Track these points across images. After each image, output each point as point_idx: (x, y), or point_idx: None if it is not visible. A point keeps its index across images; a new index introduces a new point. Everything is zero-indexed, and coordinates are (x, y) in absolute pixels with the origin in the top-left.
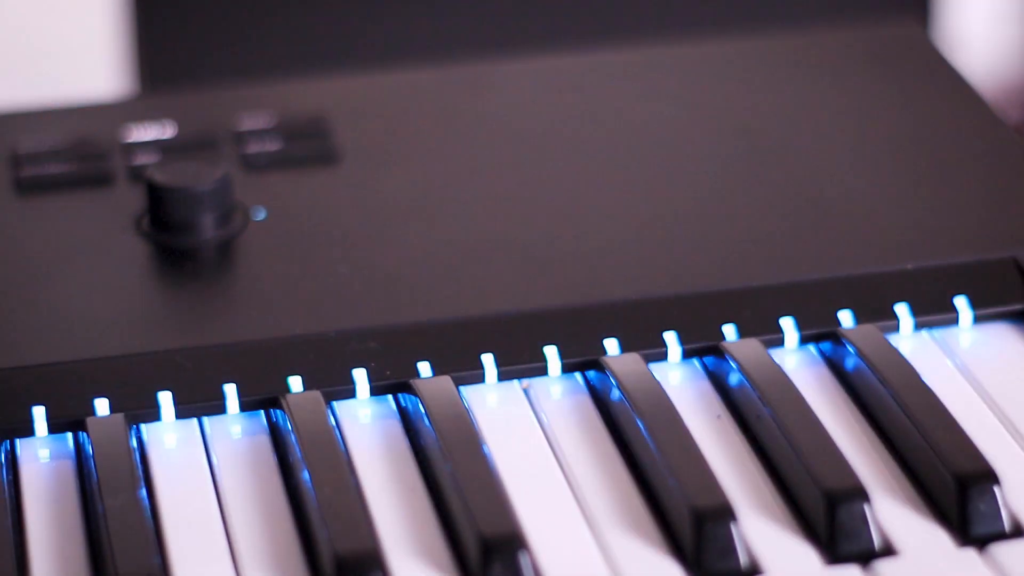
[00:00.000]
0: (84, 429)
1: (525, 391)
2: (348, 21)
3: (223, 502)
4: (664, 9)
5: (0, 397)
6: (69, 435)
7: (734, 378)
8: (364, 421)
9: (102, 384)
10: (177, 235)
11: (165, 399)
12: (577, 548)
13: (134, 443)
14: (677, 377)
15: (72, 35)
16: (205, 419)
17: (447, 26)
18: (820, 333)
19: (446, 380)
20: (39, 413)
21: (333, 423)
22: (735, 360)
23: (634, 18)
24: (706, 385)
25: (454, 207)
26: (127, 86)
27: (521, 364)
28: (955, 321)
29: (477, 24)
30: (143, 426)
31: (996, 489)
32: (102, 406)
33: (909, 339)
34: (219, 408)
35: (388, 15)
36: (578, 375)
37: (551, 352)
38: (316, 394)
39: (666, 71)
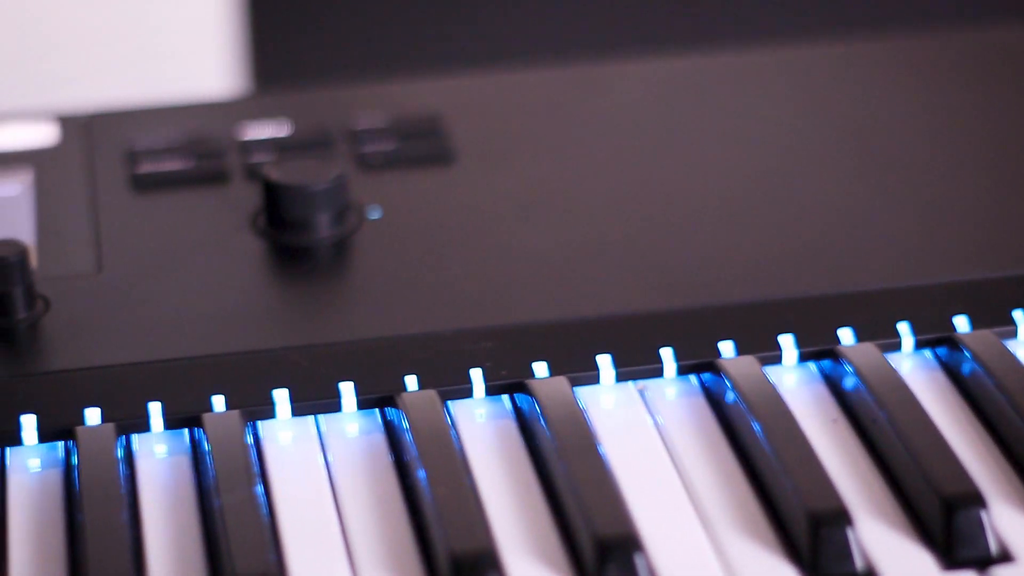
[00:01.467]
0: (200, 425)
1: (640, 392)
2: (462, 20)
3: (339, 500)
4: (776, 10)
5: (118, 392)
6: (185, 431)
7: (849, 382)
8: (480, 420)
9: (218, 381)
10: (293, 233)
11: (281, 396)
12: (692, 550)
13: (250, 440)
14: (792, 380)
15: (187, 33)
16: (320, 417)
17: (561, 26)
18: (936, 338)
19: (562, 381)
20: (155, 409)
21: (449, 422)
22: (851, 364)
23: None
24: (821, 388)
25: (569, 207)
26: (240, 83)
27: (637, 365)
28: None
29: (591, 24)
30: (259, 423)
31: None
32: (218, 403)
33: None
34: (335, 406)
35: (502, 14)
36: (693, 377)
37: (667, 354)
38: (432, 393)
39: (780, 73)
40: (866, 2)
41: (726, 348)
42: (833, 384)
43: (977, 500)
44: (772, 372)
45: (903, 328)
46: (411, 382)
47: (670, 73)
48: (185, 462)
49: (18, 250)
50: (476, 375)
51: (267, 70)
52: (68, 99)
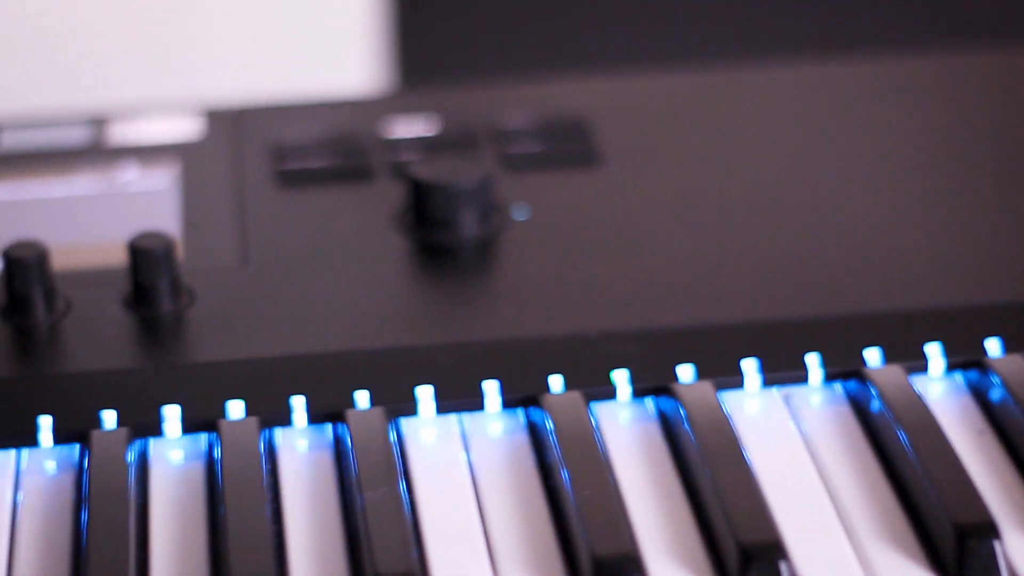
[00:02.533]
0: (344, 421)
1: (785, 399)
2: (609, 21)
3: (481, 500)
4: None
5: (261, 386)
6: (328, 427)
7: (996, 394)
8: (623, 423)
9: (362, 377)
10: (438, 232)
11: (425, 394)
12: (836, 558)
13: (393, 437)
14: (939, 390)
15: (332, 28)
16: (464, 416)
17: (709, 30)
18: None
19: (706, 386)
20: (299, 403)
21: (593, 424)
22: (998, 376)
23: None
24: (968, 399)
25: (715, 211)
26: (385, 80)
27: (782, 371)
28: None
29: (739, 29)
30: (401, 420)
31: None
32: (362, 399)
33: None
34: (478, 405)
35: (651, 16)
36: (838, 385)
37: (812, 361)
38: (576, 395)
39: (928, 82)
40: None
41: (872, 356)
42: (980, 395)
43: None
44: (918, 381)
45: None
46: (555, 383)
47: (817, 79)
48: (328, 458)
49: (164, 243)
50: (620, 377)
51: (412, 67)
52: (215, 93)
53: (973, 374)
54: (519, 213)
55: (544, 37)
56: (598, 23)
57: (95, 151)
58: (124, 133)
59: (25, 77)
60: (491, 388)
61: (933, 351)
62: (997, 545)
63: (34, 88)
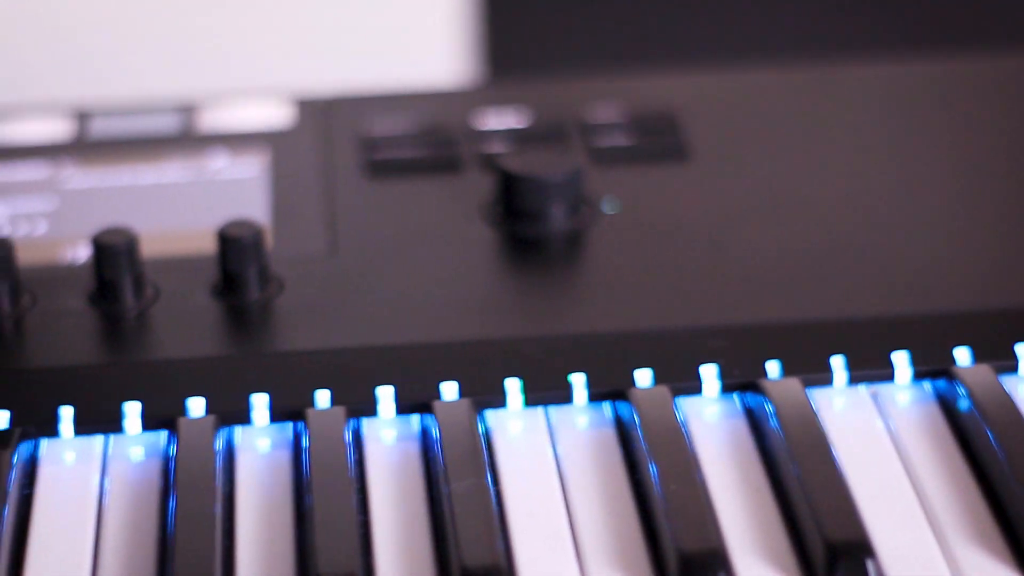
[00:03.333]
0: (430, 412)
1: (873, 397)
2: (698, 15)
3: (567, 493)
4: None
5: (349, 376)
6: (414, 417)
7: None
8: (710, 419)
9: (450, 368)
10: (526, 224)
11: (512, 386)
12: (922, 557)
13: (480, 429)
14: None
15: (421, 20)
16: (551, 408)
17: (798, 27)
18: None
19: (795, 382)
20: (386, 394)
21: (680, 419)
22: None
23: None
24: None
25: (803, 208)
26: (474, 71)
27: (870, 369)
28: None
29: (828, 26)
30: (488, 412)
31: None
32: (449, 390)
33: None
34: (565, 398)
35: (741, 11)
36: (927, 383)
37: (900, 359)
38: (664, 389)
39: (1003, 82)
40: None
41: (962, 355)
42: None
43: None
44: (1008, 381)
45: None
46: (642, 377)
47: (905, 77)
48: (414, 448)
49: (253, 231)
50: (708, 372)
51: (500, 59)
52: (305, 83)
53: None
54: (608, 207)
55: (632, 30)
56: (687, 17)
57: (185, 138)
58: (214, 121)
59: (116, 64)
60: (578, 381)
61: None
62: None
63: (126, 76)
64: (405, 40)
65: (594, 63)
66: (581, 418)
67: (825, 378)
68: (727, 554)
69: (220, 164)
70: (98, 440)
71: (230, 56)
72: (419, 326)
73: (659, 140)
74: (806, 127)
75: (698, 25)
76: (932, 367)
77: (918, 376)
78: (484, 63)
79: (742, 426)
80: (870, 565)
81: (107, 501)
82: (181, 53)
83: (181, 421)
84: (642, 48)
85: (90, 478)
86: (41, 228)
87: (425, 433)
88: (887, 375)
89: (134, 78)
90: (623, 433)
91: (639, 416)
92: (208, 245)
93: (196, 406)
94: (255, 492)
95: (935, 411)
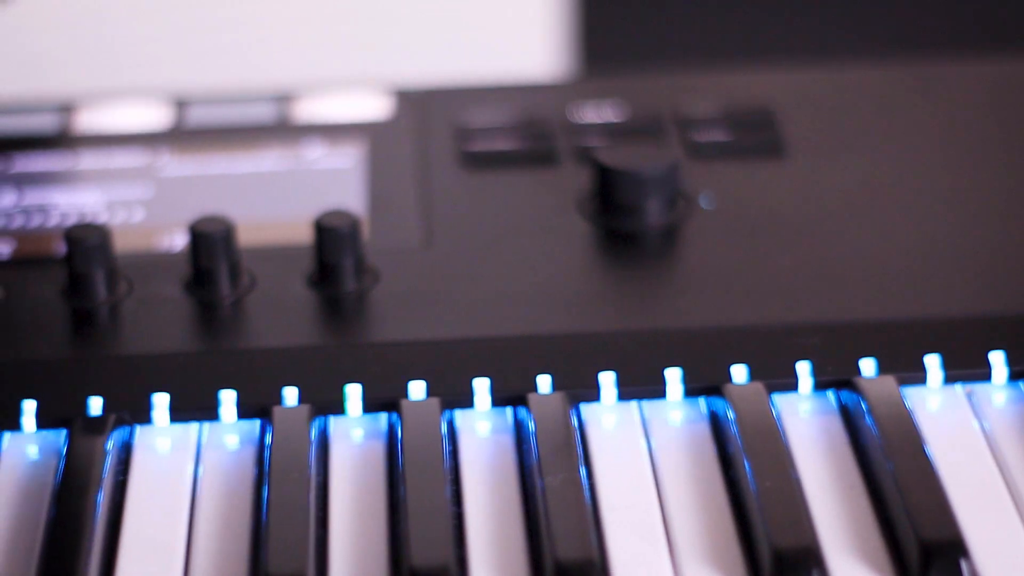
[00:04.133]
0: (525, 404)
1: (968, 396)
2: (796, 11)
3: (661, 488)
4: None
5: (444, 368)
6: (508, 410)
7: None
8: (804, 415)
9: (545, 361)
10: (622, 218)
11: (607, 380)
12: (1017, 557)
13: (574, 422)
14: None
15: (516, 12)
16: (645, 403)
17: (896, 24)
18: None
19: (890, 380)
20: (481, 386)
21: (775, 415)
22: None
23: None
24: None
25: (899, 205)
26: (568, 65)
27: (965, 368)
28: None
29: (926, 23)
30: (582, 406)
31: None
32: (543, 383)
33: None
34: (660, 393)
35: (836, 8)
36: (1023, 384)
37: (997, 359)
38: (759, 385)
39: None
40: None
41: None
42: None
43: None
44: None
45: None
46: (738, 373)
47: (1006, 75)
48: (508, 441)
49: (350, 221)
50: (802, 369)
51: (596, 52)
52: (400, 74)
53: None
54: (704, 202)
55: (728, 25)
56: (784, 11)
57: (282, 128)
58: (311, 111)
59: (215, 54)
60: (673, 376)
61: None
62: None
63: (223, 65)
64: (501, 33)
65: (688, 58)
66: (675, 413)
67: (920, 377)
68: (821, 552)
69: (316, 154)
70: (193, 428)
71: (327, 47)
72: (514, 319)
73: (756, 135)
74: (903, 124)
75: (795, 20)
76: None
77: (1014, 377)
78: (579, 57)
79: (836, 423)
80: (964, 565)
81: (201, 489)
82: (279, 42)
83: (276, 410)
84: (737, 43)
85: (184, 466)
86: (138, 215)
87: (519, 426)
88: (983, 375)
89: (231, 67)
90: (717, 429)
91: (734, 412)
92: (304, 235)
93: (291, 395)
94: (349, 482)
95: None
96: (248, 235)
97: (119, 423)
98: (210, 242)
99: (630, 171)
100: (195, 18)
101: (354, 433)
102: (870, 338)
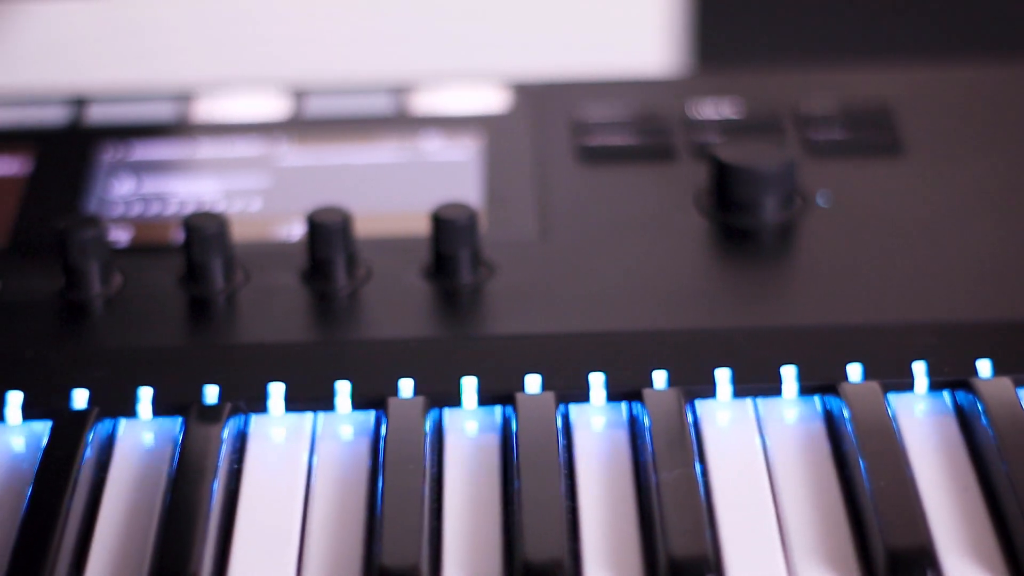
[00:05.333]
0: (640, 399)
1: None
2: (913, 8)
3: (775, 486)
4: None
5: (559, 362)
6: (623, 405)
7: None
8: (920, 415)
9: (660, 357)
10: (739, 215)
11: (722, 377)
12: None
13: (690, 418)
14: None
15: (631, 7)
16: (760, 400)
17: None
18: None
19: (1005, 382)
20: (596, 380)
21: (890, 414)
22: None
23: None
24: None
25: (1017, 205)
26: (683, 61)
27: None
28: None
29: None
30: (696, 402)
31: None
32: (659, 378)
33: None
34: (775, 390)
35: (958, 6)
36: None
37: None
38: (874, 385)
39: None
40: None
41: None
42: None
43: None
44: None
45: None
46: (853, 372)
47: None
48: (623, 436)
49: (468, 213)
50: (918, 369)
51: (710, 48)
52: (513, 68)
53: None
54: (821, 199)
55: (844, 22)
56: (901, 9)
57: (399, 120)
58: (428, 103)
59: (334, 45)
60: (788, 374)
61: None
62: None
63: (342, 56)
64: (616, 29)
65: (802, 55)
66: (790, 411)
67: None
68: (935, 552)
69: (434, 146)
70: (307, 418)
71: (445, 41)
72: (630, 313)
73: (874, 134)
74: (1022, 123)
75: (913, 17)
76: None
77: None
78: (693, 53)
79: (952, 424)
80: None
81: (315, 479)
82: (396, 36)
83: (391, 401)
84: (852, 40)
85: (299, 455)
86: (255, 205)
87: (634, 421)
88: None
89: (351, 58)
90: (832, 427)
91: (849, 411)
92: (420, 226)
93: (406, 387)
94: (463, 474)
95: None
96: (365, 226)
97: (234, 411)
98: (328, 232)
99: (748, 168)
100: (314, 9)
101: (468, 426)
102: (986, 339)
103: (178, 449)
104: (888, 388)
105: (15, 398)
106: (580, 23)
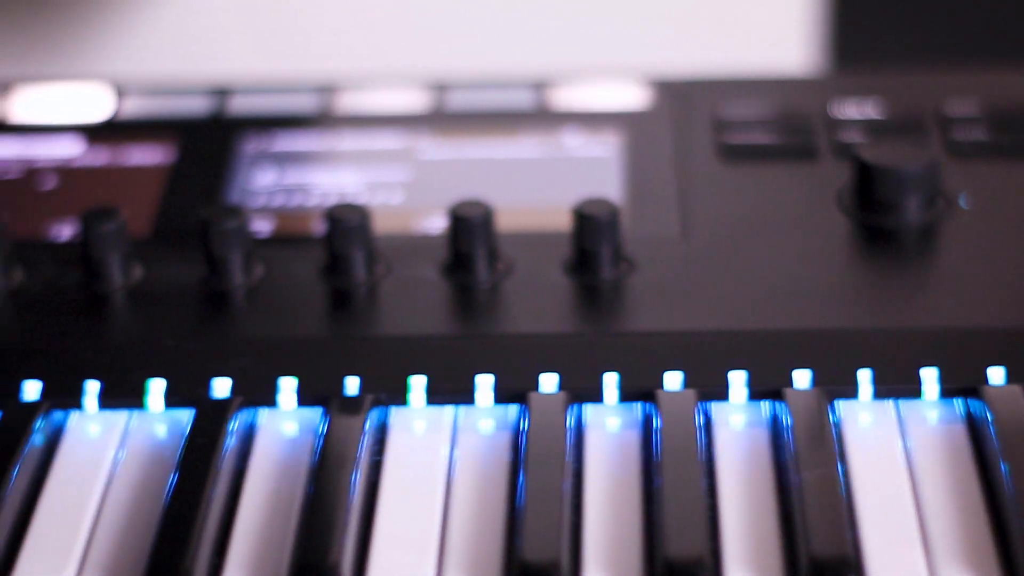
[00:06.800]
0: (780, 398)
1: None
2: None
3: (916, 488)
4: None
5: (700, 359)
6: (763, 403)
7: None
8: None
9: (802, 356)
10: (881, 215)
11: (864, 377)
12: None
13: (832, 418)
14: None
15: (768, 4)
16: (901, 402)
17: None
18: None
19: None
20: (737, 379)
21: None
22: None
23: None
24: None
25: None
26: (820, 59)
27: None
28: None
29: None
30: (838, 403)
31: None
32: (801, 378)
33: None
34: (916, 392)
35: None
36: None
37: None
38: (1016, 388)
39: None
40: None
41: None
42: None
43: None
44: None
45: None
46: (995, 375)
47: None
48: (763, 435)
49: (609, 209)
50: None
51: (847, 47)
52: (649, 65)
53: None
54: (964, 201)
55: (985, 22)
56: None
57: (540, 115)
58: (569, 98)
59: (471, 39)
60: (930, 376)
61: None
62: None
63: (487, 50)
64: (752, 27)
65: (939, 55)
66: (932, 413)
67: None
68: None
69: (575, 142)
70: (448, 411)
71: (585, 36)
72: (772, 312)
73: (1018, 136)
74: None
75: None
76: None
77: None
78: (830, 52)
79: None
80: None
81: (455, 472)
82: (535, 31)
83: (533, 396)
84: (993, 41)
85: (440, 448)
86: (397, 197)
87: (775, 420)
88: None
89: (488, 53)
90: (973, 430)
91: (992, 414)
92: (561, 221)
93: (548, 382)
94: (604, 470)
95: None
96: (505, 220)
97: (376, 404)
98: (470, 226)
99: (892, 168)
100: (452, 1)
101: (610, 422)
102: None
103: (320, 440)
104: None
105: (158, 386)
106: (715, 21)
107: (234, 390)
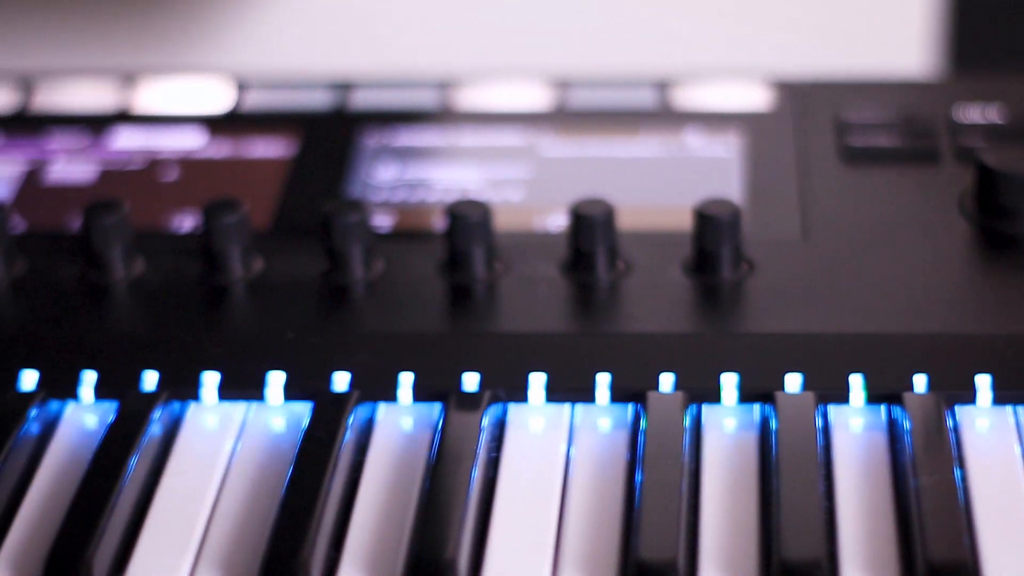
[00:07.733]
0: (899, 402)
1: None
2: None
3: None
4: None
5: (820, 361)
6: (882, 407)
7: None
8: None
9: (920, 360)
10: (1004, 220)
11: (982, 383)
12: None
13: (950, 423)
14: None
15: (887, 8)
16: (1019, 408)
17: None
18: None
19: None
20: (856, 382)
21: None
22: None
23: None
24: None
25: None
26: (937, 62)
27: None
28: None
29: None
30: (957, 408)
31: None
32: (919, 382)
33: None
34: None
35: None
36: None
37: None
38: None
39: None
40: None
41: None
42: None
43: None
44: None
45: None
46: None
47: None
48: (881, 439)
49: (731, 210)
50: None
51: (968, 50)
52: (764, 66)
53: None
54: None
55: None
56: None
57: (661, 114)
58: (690, 98)
59: (593, 37)
60: None
61: None
62: None
63: (609, 48)
64: (870, 29)
65: None
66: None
67: None
68: None
69: (696, 142)
70: (566, 408)
71: (705, 36)
72: (892, 316)
73: None
74: None
75: None
76: None
77: None
78: (950, 55)
79: None
80: None
81: (573, 470)
82: (656, 30)
83: (651, 395)
84: None
85: (558, 446)
86: (518, 194)
87: (892, 424)
88: None
89: (611, 51)
90: None
91: None
92: (681, 221)
93: (666, 381)
94: (721, 471)
95: None
96: (626, 219)
97: (494, 400)
98: (591, 224)
99: (1015, 174)
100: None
101: (728, 422)
102: None
103: (438, 435)
104: None
105: (277, 378)
106: (835, 22)
107: (353, 384)
